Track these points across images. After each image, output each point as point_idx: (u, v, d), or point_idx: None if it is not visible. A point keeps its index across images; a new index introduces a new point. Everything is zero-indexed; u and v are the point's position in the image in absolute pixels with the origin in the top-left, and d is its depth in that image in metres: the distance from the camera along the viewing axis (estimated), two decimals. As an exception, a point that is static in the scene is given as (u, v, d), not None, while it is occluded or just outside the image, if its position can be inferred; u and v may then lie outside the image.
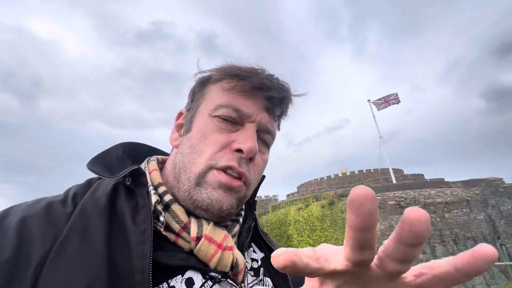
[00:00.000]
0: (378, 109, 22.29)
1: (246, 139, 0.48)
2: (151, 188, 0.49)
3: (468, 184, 16.42)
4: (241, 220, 0.58)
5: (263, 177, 0.63)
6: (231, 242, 0.49)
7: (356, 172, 27.87)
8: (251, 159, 0.50)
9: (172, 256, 0.44)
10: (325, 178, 27.93)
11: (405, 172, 25.83)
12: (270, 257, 0.44)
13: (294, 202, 17.79)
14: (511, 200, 14.54)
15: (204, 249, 0.45)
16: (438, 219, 12.95)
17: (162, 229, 0.45)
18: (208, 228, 0.48)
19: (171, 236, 0.46)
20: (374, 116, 22.47)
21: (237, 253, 0.49)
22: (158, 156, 0.62)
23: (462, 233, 12.72)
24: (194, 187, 0.48)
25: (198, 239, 0.46)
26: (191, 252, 0.46)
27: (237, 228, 0.56)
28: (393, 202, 13.33)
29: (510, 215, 14.44)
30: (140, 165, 0.53)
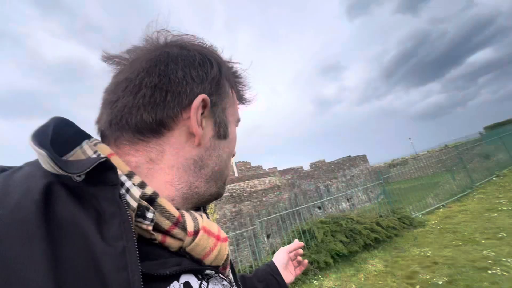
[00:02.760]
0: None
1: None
2: (126, 180, 0.34)
3: (284, 172, 22.89)
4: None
5: None
6: (224, 232, 0.44)
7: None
8: None
9: (164, 263, 0.34)
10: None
11: (252, 164, 31.16)
12: None
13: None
14: (306, 181, 20.73)
15: (203, 244, 0.38)
16: (258, 202, 17.05)
17: (150, 228, 0.33)
18: (204, 220, 0.40)
19: (158, 236, 0.35)
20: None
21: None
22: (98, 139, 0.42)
23: (273, 210, 17.47)
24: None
25: (196, 233, 0.38)
26: (180, 251, 0.37)
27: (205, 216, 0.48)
28: (227, 194, 16.10)
29: (306, 191, 21.38)
30: (99, 153, 0.35)
